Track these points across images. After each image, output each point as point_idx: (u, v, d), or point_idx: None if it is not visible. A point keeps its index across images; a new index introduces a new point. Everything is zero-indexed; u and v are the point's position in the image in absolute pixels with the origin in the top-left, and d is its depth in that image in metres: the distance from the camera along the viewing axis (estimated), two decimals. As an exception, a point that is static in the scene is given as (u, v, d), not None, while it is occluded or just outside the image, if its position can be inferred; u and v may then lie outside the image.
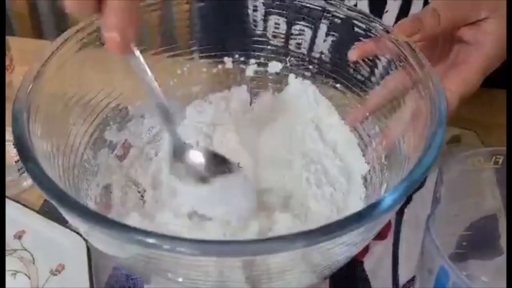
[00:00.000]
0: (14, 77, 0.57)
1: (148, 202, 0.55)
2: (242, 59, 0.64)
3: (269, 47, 0.63)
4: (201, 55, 0.62)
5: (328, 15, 0.58)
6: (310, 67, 0.62)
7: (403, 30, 0.51)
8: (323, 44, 0.60)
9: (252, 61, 0.64)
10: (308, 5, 0.59)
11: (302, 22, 0.61)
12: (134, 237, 0.35)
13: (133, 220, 0.50)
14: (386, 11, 0.66)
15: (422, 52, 0.51)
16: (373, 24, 0.55)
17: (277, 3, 0.61)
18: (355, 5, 0.66)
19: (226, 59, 0.63)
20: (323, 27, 0.59)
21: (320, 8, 0.58)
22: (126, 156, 0.58)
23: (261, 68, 0.64)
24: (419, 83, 0.48)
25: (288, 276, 0.41)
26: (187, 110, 0.62)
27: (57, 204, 0.38)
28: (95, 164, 0.54)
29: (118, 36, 0.40)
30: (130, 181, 0.56)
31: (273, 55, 0.63)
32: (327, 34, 0.59)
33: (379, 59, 0.55)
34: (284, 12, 0.61)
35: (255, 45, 0.63)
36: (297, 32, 0.61)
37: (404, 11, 0.67)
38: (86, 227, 0.40)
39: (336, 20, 0.58)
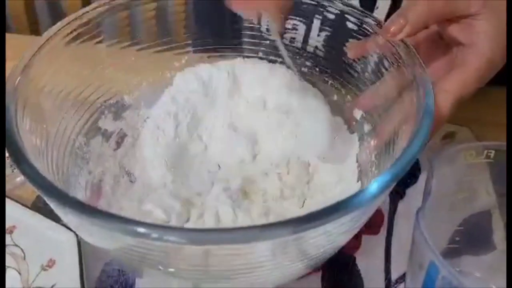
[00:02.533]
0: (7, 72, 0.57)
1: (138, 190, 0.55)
2: (236, 53, 0.63)
3: (263, 42, 0.63)
4: (195, 49, 0.62)
5: (321, 10, 0.58)
6: (305, 62, 0.62)
7: (388, 31, 0.50)
8: (317, 39, 0.60)
9: (248, 54, 0.63)
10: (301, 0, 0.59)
11: (295, 17, 0.61)
12: (122, 226, 0.35)
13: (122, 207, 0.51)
14: (377, 8, 0.66)
15: (423, 52, 0.51)
16: (366, 19, 0.55)
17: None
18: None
19: (221, 53, 0.63)
20: (316, 22, 0.59)
21: (313, 3, 0.58)
22: (120, 145, 0.58)
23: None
24: (411, 82, 0.48)
25: (275, 265, 0.41)
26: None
27: (45, 196, 0.38)
28: (87, 151, 0.54)
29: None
30: (123, 170, 0.56)
31: (267, 50, 0.63)
32: (320, 29, 0.59)
33: (372, 55, 0.55)
34: None
35: (250, 40, 0.63)
36: (290, 27, 0.61)
37: (394, 7, 0.67)
38: (75, 218, 0.40)
39: (329, 15, 0.58)
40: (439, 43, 0.55)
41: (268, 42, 0.63)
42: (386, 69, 0.53)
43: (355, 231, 0.44)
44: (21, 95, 0.45)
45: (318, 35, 0.60)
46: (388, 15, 0.68)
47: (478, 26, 0.50)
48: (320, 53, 0.61)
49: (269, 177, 0.55)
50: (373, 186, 0.38)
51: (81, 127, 0.54)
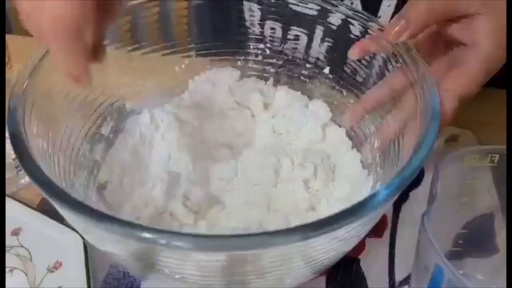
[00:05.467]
0: (12, 75, 0.57)
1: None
2: (242, 57, 0.64)
3: (266, 46, 0.64)
4: (198, 53, 0.62)
5: (323, 21, 0.58)
6: (309, 66, 0.62)
7: (390, 34, 0.50)
8: (319, 49, 0.61)
9: (251, 58, 0.64)
10: (302, 11, 0.59)
11: (297, 28, 0.61)
12: (129, 231, 0.35)
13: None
14: (379, 17, 0.66)
15: (423, 52, 0.51)
16: (370, 23, 0.55)
17: (273, 9, 0.61)
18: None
19: (224, 57, 0.64)
20: (318, 33, 0.59)
21: (315, 14, 0.58)
22: (124, 150, 0.58)
23: (259, 66, 0.64)
24: (414, 83, 0.49)
25: (280, 271, 0.41)
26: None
27: (51, 199, 0.39)
28: (91, 158, 0.54)
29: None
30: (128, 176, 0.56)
31: (270, 54, 0.64)
32: (322, 40, 0.60)
33: (376, 59, 0.55)
34: (279, 17, 0.61)
35: (253, 44, 0.64)
36: (292, 37, 0.62)
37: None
38: (82, 223, 0.40)
39: (331, 25, 0.58)
40: (439, 43, 0.55)
41: (270, 46, 0.63)
42: (390, 73, 0.54)
43: (362, 236, 0.44)
44: (29, 98, 0.46)
45: (320, 46, 0.60)
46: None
47: (478, 26, 0.50)
48: (322, 62, 0.61)
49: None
50: (382, 193, 0.38)
51: (85, 132, 0.54)
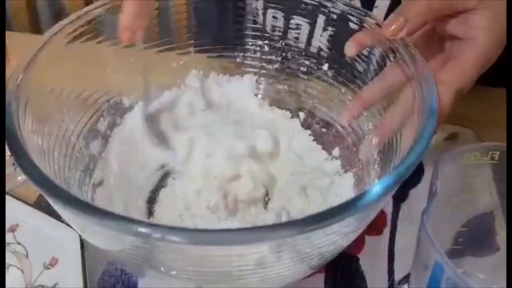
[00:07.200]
0: (10, 70, 0.56)
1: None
2: (240, 54, 0.64)
3: (266, 41, 0.63)
4: (196, 49, 0.62)
5: (325, 9, 0.58)
6: (307, 62, 0.62)
7: (388, 30, 0.50)
8: (320, 38, 0.60)
9: (250, 55, 0.64)
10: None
11: (299, 16, 0.61)
12: (124, 225, 0.35)
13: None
14: (376, 7, 0.65)
15: (418, 47, 0.50)
16: (366, 18, 0.55)
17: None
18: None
19: (222, 53, 0.63)
20: (320, 21, 0.59)
21: (316, 3, 0.58)
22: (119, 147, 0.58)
23: (258, 63, 0.64)
24: (412, 78, 0.48)
25: (279, 266, 0.41)
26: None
27: (46, 195, 0.38)
28: (87, 154, 0.54)
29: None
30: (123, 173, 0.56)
31: (271, 50, 0.63)
32: (324, 29, 0.59)
33: (374, 55, 0.55)
34: (281, 6, 0.61)
35: (251, 40, 0.63)
36: (294, 26, 0.61)
37: (394, 6, 0.67)
38: (77, 219, 0.40)
39: (332, 14, 0.58)
40: (435, 38, 0.55)
41: (270, 39, 0.63)
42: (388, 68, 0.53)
43: (359, 232, 0.44)
44: (23, 94, 0.45)
45: (321, 35, 0.60)
46: (387, 14, 0.68)
47: (475, 21, 0.50)
48: (323, 53, 0.61)
49: None
50: (378, 188, 0.38)
51: (81, 128, 0.54)
